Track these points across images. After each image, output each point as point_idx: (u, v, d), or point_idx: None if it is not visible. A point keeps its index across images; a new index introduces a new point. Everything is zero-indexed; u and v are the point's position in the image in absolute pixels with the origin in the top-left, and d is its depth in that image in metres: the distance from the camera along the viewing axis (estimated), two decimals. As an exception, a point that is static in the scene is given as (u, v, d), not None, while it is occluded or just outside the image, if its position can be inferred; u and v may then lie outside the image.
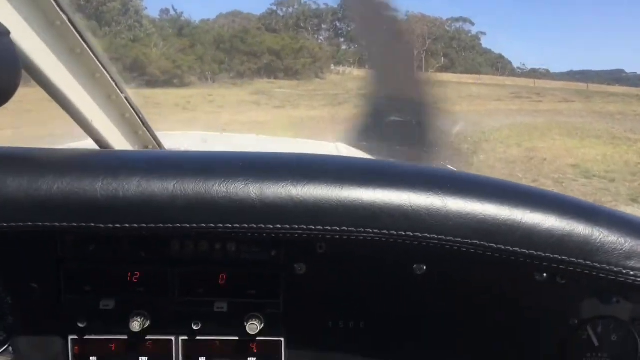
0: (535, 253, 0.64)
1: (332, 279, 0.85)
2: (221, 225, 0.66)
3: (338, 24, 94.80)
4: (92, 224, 0.67)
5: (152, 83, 34.81)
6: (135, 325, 0.83)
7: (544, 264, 0.65)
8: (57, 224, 0.68)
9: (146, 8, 55.10)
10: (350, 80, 47.68)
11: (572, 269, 0.64)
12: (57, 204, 0.67)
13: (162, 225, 0.67)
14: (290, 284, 0.85)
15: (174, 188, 0.66)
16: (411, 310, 0.87)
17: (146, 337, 0.87)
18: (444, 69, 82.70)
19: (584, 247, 0.64)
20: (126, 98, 1.20)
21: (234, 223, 0.66)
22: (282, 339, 0.88)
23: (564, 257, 0.64)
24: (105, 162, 0.74)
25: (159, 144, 1.42)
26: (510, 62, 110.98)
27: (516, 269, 0.74)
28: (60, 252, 0.85)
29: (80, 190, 0.67)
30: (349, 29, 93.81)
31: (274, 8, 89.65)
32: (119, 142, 1.23)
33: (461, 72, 71.96)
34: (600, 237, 0.64)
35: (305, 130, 18.72)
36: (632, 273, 0.63)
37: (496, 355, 0.88)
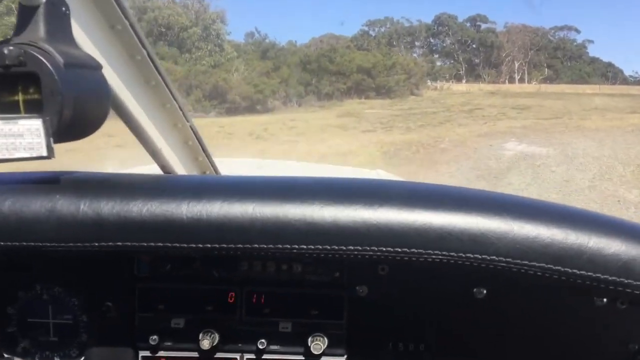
0: (601, 276, 0.64)
1: (393, 301, 0.85)
2: (296, 247, 0.69)
3: (432, 40, 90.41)
4: (177, 244, 0.71)
5: (232, 110, 31.71)
6: (205, 343, 0.85)
7: (610, 287, 0.65)
8: (145, 244, 0.71)
9: (230, 33, 52.77)
10: (450, 96, 42.36)
11: (638, 292, 0.64)
12: (146, 225, 0.71)
13: (241, 245, 0.70)
14: (353, 305, 0.86)
15: (253, 211, 0.69)
16: (470, 333, 0.87)
17: (214, 356, 0.88)
18: (548, 79, 76.04)
19: None
20: (191, 127, 1.23)
21: (309, 244, 0.69)
22: (344, 359, 0.88)
23: (630, 281, 0.64)
24: (187, 186, 0.77)
25: (216, 170, 1.46)
26: (621, 70, 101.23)
27: (576, 294, 0.73)
28: (137, 271, 0.87)
29: (167, 213, 0.71)
30: (444, 44, 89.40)
31: (366, 28, 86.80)
32: (180, 167, 1.27)
33: (566, 83, 64.55)
34: None
35: (400, 162, 14.07)
36: None
37: None
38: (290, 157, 12.63)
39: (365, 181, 0.78)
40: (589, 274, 0.64)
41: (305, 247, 0.69)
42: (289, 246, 0.69)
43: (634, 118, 23.99)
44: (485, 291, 0.79)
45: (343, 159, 14.39)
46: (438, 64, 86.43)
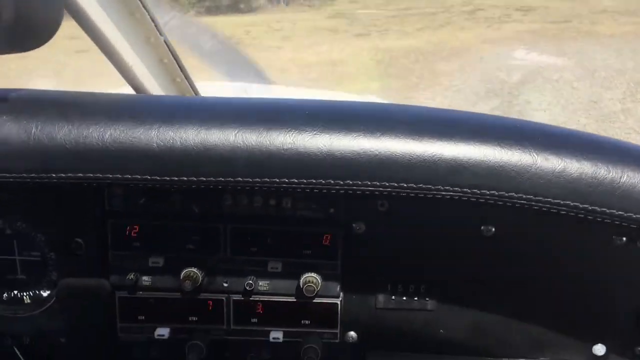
0: (633, 216, 0.60)
1: (392, 239, 0.80)
2: (286, 181, 0.63)
3: None
4: (148, 177, 0.64)
5: (213, 10, 28.87)
6: (187, 283, 0.80)
7: (632, 225, 0.60)
8: (109, 175, 0.64)
9: None
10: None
11: None
12: (109, 154, 0.63)
13: (222, 179, 0.64)
14: (349, 243, 0.80)
15: (235, 138, 0.62)
16: (476, 274, 0.81)
17: (197, 297, 0.83)
18: None
19: None
20: (165, 41, 1.13)
21: (300, 178, 0.63)
22: (339, 301, 0.83)
23: None
24: (157, 108, 0.69)
25: (196, 93, 1.33)
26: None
27: (594, 232, 0.68)
28: (108, 205, 0.81)
29: (134, 139, 0.63)
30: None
31: None
32: (156, 88, 1.16)
33: None
34: None
35: (398, 73, 12.35)
36: None
37: (568, 323, 0.82)
38: (272, 66, 10.83)
39: (365, 105, 0.69)
40: (620, 213, 0.59)
41: (296, 181, 0.63)
42: (277, 180, 0.63)
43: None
44: (493, 229, 0.72)
45: (332, 69, 12.63)
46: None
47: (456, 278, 0.82)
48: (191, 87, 1.32)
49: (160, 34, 1.13)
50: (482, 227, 0.74)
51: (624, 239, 0.68)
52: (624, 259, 0.74)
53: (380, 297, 0.83)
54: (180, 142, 0.62)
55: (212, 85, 2.28)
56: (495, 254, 0.78)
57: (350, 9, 31.28)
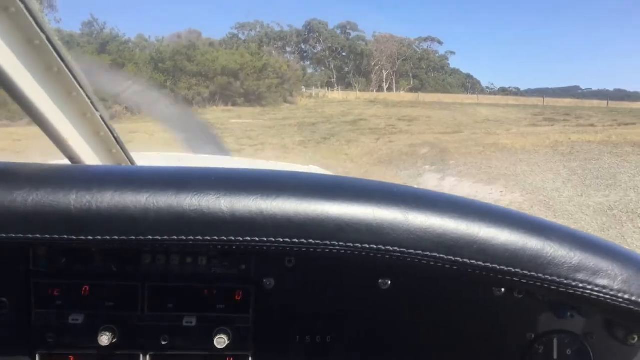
0: (490, 265, 0.65)
1: (300, 293, 0.84)
2: (192, 238, 0.66)
3: (303, 46, 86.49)
4: (65, 236, 0.68)
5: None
6: (104, 339, 0.82)
7: (499, 276, 0.66)
8: (30, 235, 0.68)
9: (60, 20, 42.85)
10: (327, 105, 37.06)
11: (525, 281, 0.66)
12: (30, 216, 0.68)
13: (134, 237, 0.67)
14: (260, 298, 0.84)
15: (147, 201, 0.67)
16: (377, 324, 0.87)
17: (115, 353, 0.86)
18: (414, 89, 75.29)
19: (536, 260, 0.65)
20: (101, 116, 1.19)
21: (205, 235, 0.67)
22: (250, 354, 0.87)
23: (517, 270, 0.65)
24: (78, 176, 0.75)
25: (132, 163, 1.39)
26: (479, 82, 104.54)
27: (476, 284, 0.74)
28: (32, 265, 0.84)
29: (54, 203, 0.68)
30: (315, 51, 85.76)
31: (235, 32, 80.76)
32: (93, 159, 1.24)
33: (430, 92, 63.41)
34: (552, 251, 0.65)
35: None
36: (580, 285, 0.65)
37: None
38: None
39: (264, 172, 0.75)
40: (479, 263, 0.65)
41: (201, 238, 0.66)
42: (184, 238, 0.66)
43: (548, 133, 19.89)
44: (389, 282, 0.79)
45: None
46: (309, 71, 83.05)
47: (360, 329, 0.86)
48: (127, 157, 1.33)
49: (97, 109, 1.16)
50: (380, 281, 0.80)
51: (502, 289, 0.75)
52: (506, 308, 0.80)
53: (290, 350, 0.87)
54: (96, 205, 0.65)
55: (148, 156, 2.24)
56: (394, 305, 0.83)
57: (222, 118, 27.44)
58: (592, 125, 23.91)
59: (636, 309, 0.66)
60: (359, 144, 16.81)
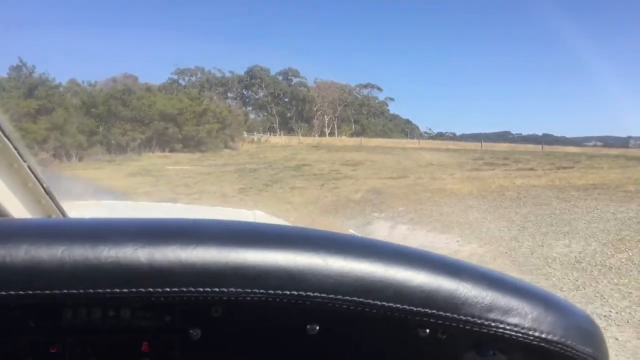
0: (407, 307, 0.66)
1: (228, 343, 0.82)
2: (109, 291, 0.65)
3: (245, 92, 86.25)
4: None
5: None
6: None
7: (416, 318, 0.67)
8: None
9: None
10: (270, 150, 36.30)
11: (441, 322, 0.67)
12: None
13: (49, 292, 0.65)
14: (186, 350, 0.81)
15: (62, 254, 0.65)
16: None
17: None
18: (356, 134, 76.13)
19: (451, 301, 0.66)
20: (29, 166, 1.19)
21: (123, 288, 0.65)
22: None
23: (433, 311, 0.66)
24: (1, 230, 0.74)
25: (63, 213, 1.38)
26: (417, 127, 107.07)
27: (401, 326, 0.74)
28: None
29: None
30: (257, 96, 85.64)
31: (175, 77, 79.66)
32: (21, 211, 1.21)
33: (371, 137, 64.10)
34: (465, 291, 0.67)
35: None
36: (493, 324, 0.66)
37: None
38: None
39: (186, 221, 0.74)
40: (397, 305, 0.66)
41: (118, 291, 0.64)
42: (101, 291, 0.64)
43: (492, 177, 19.79)
44: (317, 327, 0.77)
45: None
46: (252, 116, 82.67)
47: None
48: (57, 207, 1.32)
49: (24, 160, 1.16)
50: (308, 327, 0.77)
51: (427, 330, 0.74)
52: (432, 349, 0.79)
53: None
54: (10, 260, 0.64)
55: (80, 205, 2.14)
56: (323, 351, 0.82)
57: (159, 164, 26.08)
58: (532, 169, 24.13)
59: (547, 346, 0.68)
60: (303, 191, 16.01)
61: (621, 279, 5.95)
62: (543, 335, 0.67)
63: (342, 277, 0.66)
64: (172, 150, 34.50)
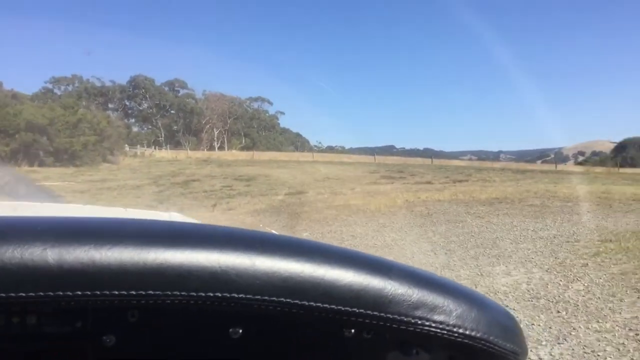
0: (335, 307, 0.65)
1: (146, 350, 0.76)
2: (13, 295, 0.60)
3: (127, 103, 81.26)
4: None
5: None
6: None
7: (344, 317, 0.66)
8: None
9: None
10: (155, 165, 33.42)
11: (368, 321, 0.66)
12: None
13: None
14: (99, 358, 0.76)
15: None
16: None
17: None
18: (246, 147, 74.51)
19: (378, 300, 0.66)
20: None
21: (29, 292, 0.60)
22: None
23: (361, 310, 0.65)
24: None
25: None
26: (307, 140, 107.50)
27: (326, 326, 0.72)
28: None
29: None
30: (141, 108, 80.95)
31: (49, 86, 73.12)
32: None
33: (262, 151, 62.98)
34: (392, 289, 0.66)
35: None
36: (419, 322, 0.66)
37: None
38: None
39: (101, 220, 0.70)
40: (325, 305, 0.64)
41: (24, 295, 0.59)
42: (3, 295, 0.59)
43: (394, 191, 18.97)
44: (241, 330, 0.73)
45: None
46: (135, 129, 78.02)
47: None
48: None
49: None
50: (231, 330, 0.74)
51: (353, 330, 0.72)
52: (357, 349, 0.77)
53: None
54: None
55: None
56: (247, 354, 0.78)
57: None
58: (429, 182, 23.81)
59: (470, 342, 0.68)
60: (193, 212, 13.99)
61: (599, 322, 4.81)
62: (467, 332, 0.67)
63: (268, 277, 0.63)
64: (41, 165, 30.55)
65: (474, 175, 27.65)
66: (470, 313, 0.68)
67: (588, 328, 4.65)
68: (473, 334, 0.67)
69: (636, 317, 4.89)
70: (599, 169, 35.87)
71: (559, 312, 5.13)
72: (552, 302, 5.46)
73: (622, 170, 37.45)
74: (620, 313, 5.01)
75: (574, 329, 4.65)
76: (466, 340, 0.68)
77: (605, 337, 4.43)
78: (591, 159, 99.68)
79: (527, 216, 12.06)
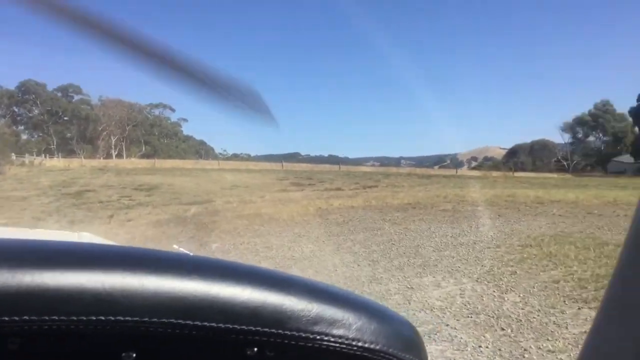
0: (231, 326, 0.63)
1: None
2: None
3: (16, 109, 75.08)
4: None
5: None
6: None
7: (244, 336, 0.63)
8: None
9: None
10: (45, 174, 30.55)
11: (266, 339, 0.64)
12: None
13: None
14: None
15: None
16: None
17: None
18: (146, 155, 71.33)
19: (277, 316, 0.64)
20: None
21: None
22: None
23: (257, 328, 0.63)
24: None
25: None
26: (212, 148, 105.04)
27: (229, 347, 0.68)
28: None
29: None
30: (31, 114, 75.05)
31: None
32: None
33: (164, 159, 60.51)
34: (291, 305, 0.64)
35: None
36: (318, 337, 0.64)
37: None
38: None
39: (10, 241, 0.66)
40: (220, 325, 0.61)
41: None
42: None
43: (305, 198, 18.41)
44: (134, 354, 0.68)
45: None
46: (24, 136, 72.21)
47: None
48: None
49: None
50: (124, 354, 0.68)
51: (255, 349, 0.69)
52: None
53: None
54: None
55: None
56: None
57: None
58: (339, 189, 23.47)
59: (370, 355, 0.66)
60: (86, 226, 12.53)
61: (549, 339, 4.38)
62: (366, 345, 0.66)
63: (158, 298, 0.59)
64: None
65: (383, 180, 27.74)
66: (370, 325, 0.66)
67: (540, 348, 4.19)
68: (372, 346, 0.65)
69: (584, 332, 4.50)
70: (495, 174, 37.58)
71: (503, 329, 4.66)
72: (493, 317, 4.99)
73: (516, 174, 39.49)
74: (567, 328, 4.63)
75: (525, 349, 4.17)
76: (365, 354, 0.66)
77: (558, 358, 3.98)
78: (484, 164, 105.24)
79: (443, 222, 11.86)
